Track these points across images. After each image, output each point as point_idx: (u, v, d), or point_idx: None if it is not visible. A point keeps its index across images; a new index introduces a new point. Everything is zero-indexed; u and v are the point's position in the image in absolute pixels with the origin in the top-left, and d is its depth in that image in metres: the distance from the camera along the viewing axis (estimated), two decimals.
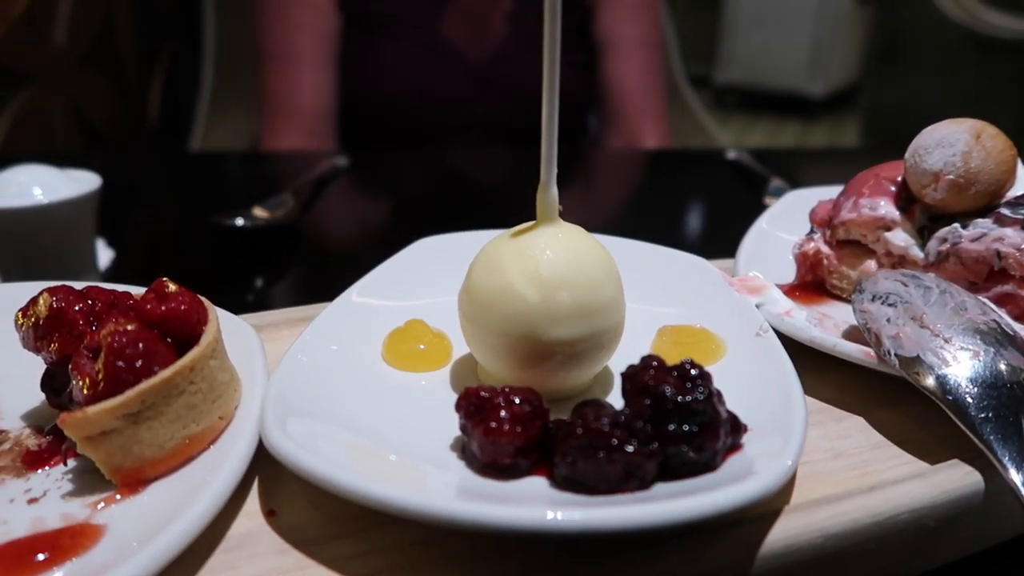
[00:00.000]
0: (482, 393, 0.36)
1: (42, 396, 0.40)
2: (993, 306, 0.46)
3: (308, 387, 0.40)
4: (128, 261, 0.79)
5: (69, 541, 0.32)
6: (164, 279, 0.39)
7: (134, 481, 0.35)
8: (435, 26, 1.31)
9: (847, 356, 0.45)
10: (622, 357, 0.41)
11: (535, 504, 0.33)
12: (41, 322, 0.38)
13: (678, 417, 0.34)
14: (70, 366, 0.36)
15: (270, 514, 0.35)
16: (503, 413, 0.35)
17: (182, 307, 0.38)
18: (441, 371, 0.46)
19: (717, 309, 0.50)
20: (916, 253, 0.53)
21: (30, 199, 0.63)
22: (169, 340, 0.37)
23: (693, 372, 0.36)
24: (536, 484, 0.35)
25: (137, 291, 0.41)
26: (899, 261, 0.54)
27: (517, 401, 0.36)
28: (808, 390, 0.40)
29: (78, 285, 0.41)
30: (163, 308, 0.37)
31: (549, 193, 0.41)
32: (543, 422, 0.36)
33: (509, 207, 0.47)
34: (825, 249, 0.58)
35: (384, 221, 1.03)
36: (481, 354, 0.43)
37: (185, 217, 1.01)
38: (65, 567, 0.30)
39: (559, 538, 0.32)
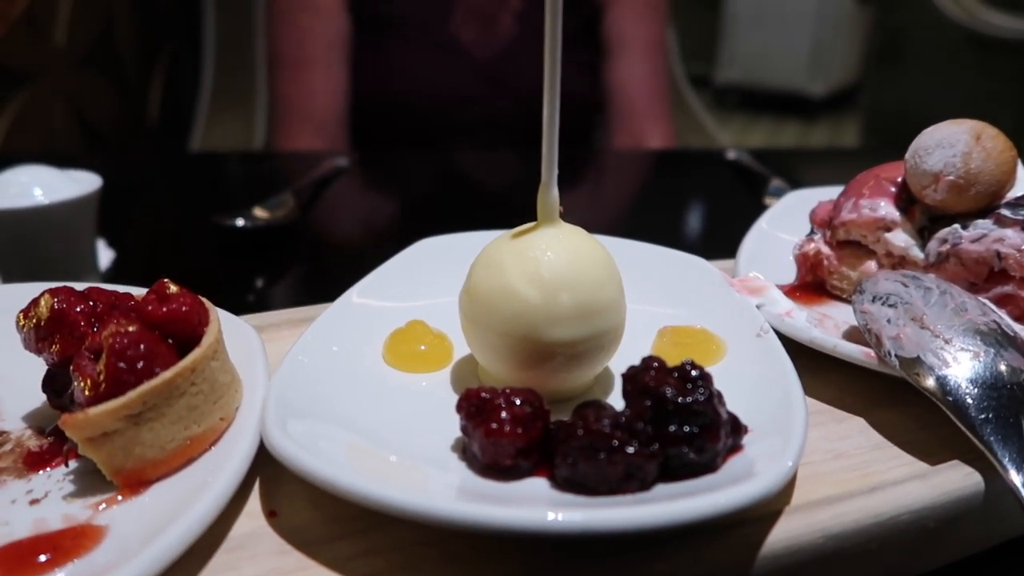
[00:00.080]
0: (483, 394, 0.36)
1: (43, 397, 0.41)
2: (993, 307, 0.46)
3: (309, 388, 0.40)
4: (129, 262, 0.79)
5: (70, 542, 0.32)
6: (165, 280, 0.39)
7: (135, 482, 0.35)
8: (443, 25, 1.31)
9: (847, 357, 0.45)
10: (623, 358, 0.41)
11: (536, 505, 0.33)
12: (42, 323, 0.38)
13: (679, 418, 0.34)
14: (71, 367, 0.36)
15: (271, 515, 0.36)
16: (504, 414, 0.35)
17: (183, 308, 0.38)
18: (442, 372, 0.46)
19: (717, 310, 0.50)
20: (916, 254, 0.53)
21: (31, 200, 0.63)
22: (170, 341, 0.37)
23: (694, 373, 0.36)
24: (537, 485, 0.35)
25: (138, 292, 0.41)
26: (899, 262, 0.54)
27: (518, 402, 0.36)
28: (808, 391, 0.40)
29: (79, 286, 0.41)
30: (164, 309, 0.37)
31: (550, 194, 0.41)
32: (544, 423, 0.36)
33: (510, 208, 0.48)
34: (825, 250, 0.58)
35: (385, 221, 1.03)
36: (482, 355, 0.43)
37: (185, 217, 1.01)
38: (67, 568, 0.30)
39: (560, 539, 0.32)
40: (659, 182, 1.28)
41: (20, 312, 0.40)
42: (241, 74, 1.78)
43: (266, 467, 0.37)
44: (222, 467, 0.35)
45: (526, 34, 1.31)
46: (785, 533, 0.34)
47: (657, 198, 1.19)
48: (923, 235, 0.54)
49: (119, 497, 0.35)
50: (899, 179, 0.56)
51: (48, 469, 0.37)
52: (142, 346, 0.35)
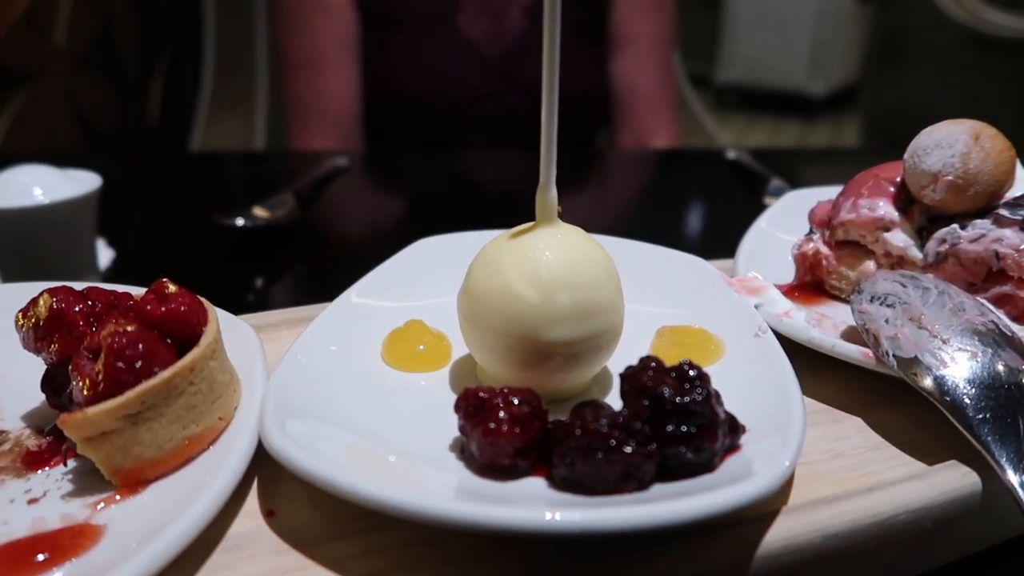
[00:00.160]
0: (481, 394, 0.36)
1: (42, 397, 0.41)
2: (991, 307, 0.46)
3: (308, 388, 0.40)
4: (128, 261, 0.79)
5: (69, 541, 0.32)
6: (164, 280, 0.39)
7: (134, 482, 0.35)
8: (452, 21, 1.31)
9: (846, 357, 0.45)
10: (621, 358, 0.41)
11: (534, 505, 0.34)
12: (41, 323, 0.38)
13: (676, 418, 0.34)
14: (70, 367, 0.36)
15: (269, 514, 0.36)
16: (502, 414, 0.35)
17: (182, 308, 0.38)
18: (440, 372, 0.46)
19: (716, 310, 0.50)
20: (915, 254, 0.53)
21: (31, 199, 0.63)
22: (169, 341, 0.37)
23: (691, 373, 0.36)
24: (535, 485, 0.35)
25: (137, 292, 0.41)
26: (898, 262, 0.55)
27: (516, 402, 0.36)
28: (807, 391, 0.40)
29: (78, 286, 0.41)
30: (163, 309, 0.37)
31: (548, 194, 0.41)
32: (542, 423, 0.36)
33: (511, 208, 0.48)
34: (824, 250, 0.58)
35: (384, 221, 1.03)
36: (480, 355, 0.43)
37: (185, 217, 1.01)
38: (65, 567, 0.31)
39: (558, 539, 0.32)
40: (658, 182, 1.28)
41: (19, 312, 0.40)
42: (241, 74, 1.78)
43: (264, 467, 0.37)
44: (220, 467, 0.35)
45: (536, 28, 1.29)
46: (783, 533, 0.34)
47: (656, 198, 1.19)
48: (922, 235, 0.54)
49: (117, 496, 0.35)
50: (898, 179, 0.56)
51: (47, 468, 0.37)
52: (141, 346, 0.35)
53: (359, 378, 0.43)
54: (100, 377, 0.34)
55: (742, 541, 0.34)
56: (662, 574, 0.33)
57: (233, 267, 0.80)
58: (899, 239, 0.54)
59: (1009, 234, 0.49)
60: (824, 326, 0.51)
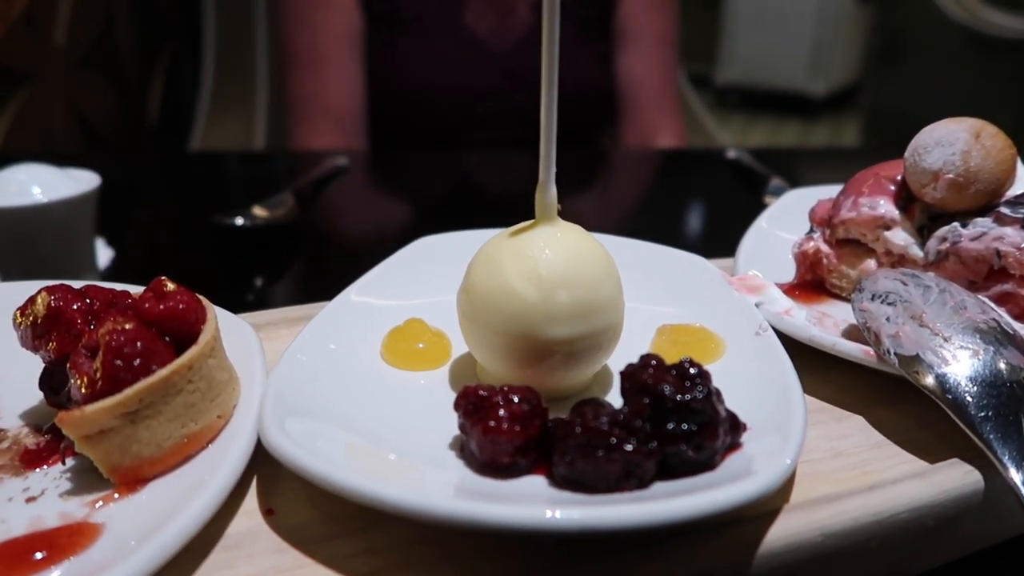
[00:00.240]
0: (481, 392, 0.36)
1: (40, 395, 0.40)
2: (993, 305, 0.46)
3: (307, 386, 0.40)
4: (128, 260, 0.79)
5: (67, 540, 0.32)
6: (162, 278, 0.39)
7: (132, 480, 0.35)
8: (458, 18, 1.30)
9: (847, 355, 0.44)
10: (621, 356, 0.41)
11: (534, 503, 0.33)
12: (39, 321, 0.38)
13: (677, 416, 0.34)
14: (68, 365, 0.36)
15: (268, 513, 0.35)
16: (502, 412, 0.35)
17: (180, 306, 0.38)
18: (440, 370, 0.46)
19: (716, 308, 0.50)
20: (916, 252, 0.53)
21: (29, 198, 0.63)
22: (167, 339, 0.37)
23: (692, 371, 0.35)
24: (535, 483, 0.35)
25: (136, 290, 0.41)
26: (899, 260, 0.54)
27: (516, 400, 0.36)
28: (808, 389, 0.40)
29: (76, 284, 0.41)
30: (161, 307, 0.37)
31: (548, 192, 0.41)
32: (542, 421, 0.36)
33: (511, 207, 0.47)
34: (825, 248, 0.57)
35: (384, 221, 1.03)
36: (480, 353, 0.43)
37: (185, 216, 1.01)
38: (63, 566, 0.30)
39: (558, 537, 0.32)
40: (659, 181, 1.28)
41: (17, 310, 0.40)
42: (241, 74, 1.78)
43: (263, 465, 0.37)
44: (219, 465, 0.35)
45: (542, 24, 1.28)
46: (784, 531, 0.34)
47: (656, 197, 1.19)
48: (922, 233, 0.54)
49: (116, 495, 0.35)
50: (898, 177, 0.55)
51: (45, 467, 0.37)
52: (139, 344, 0.35)
53: (358, 377, 0.43)
54: (98, 375, 0.34)
55: (743, 539, 0.34)
56: (662, 572, 0.32)
57: (232, 267, 0.80)
58: (900, 237, 0.54)
59: (1010, 232, 0.49)
60: (825, 324, 0.51)
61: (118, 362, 0.34)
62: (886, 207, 0.55)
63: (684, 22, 1.47)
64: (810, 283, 0.59)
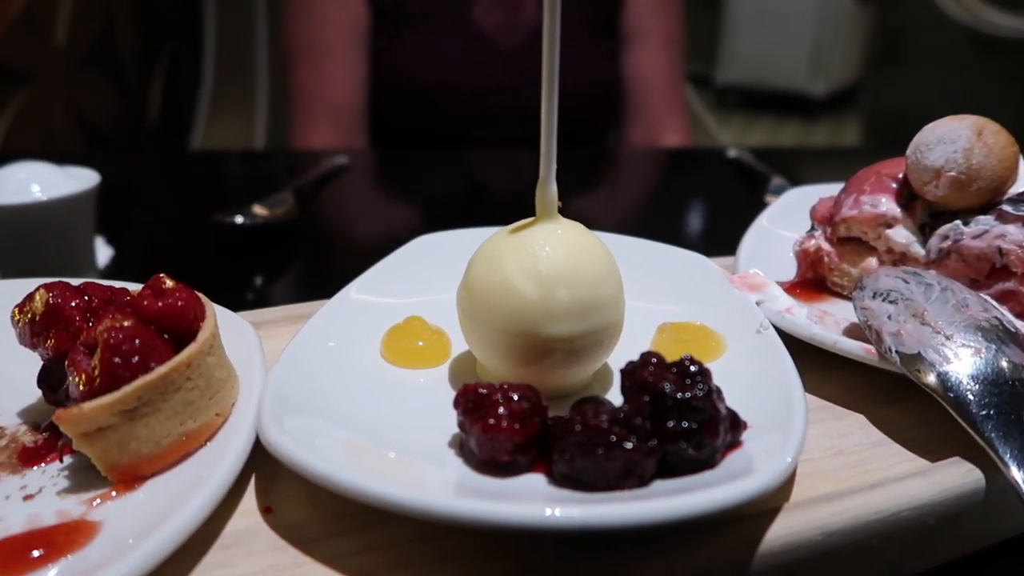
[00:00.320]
0: (480, 390, 0.36)
1: (39, 393, 0.40)
2: (994, 303, 0.46)
3: (306, 384, 0.40)
4: (128, 259, 0.79)
5: (64, 538, 0.31)
6: (161, 275, 0.39)
7: (130, 478, 0.35)
8: (466, 13, 1.29)
9: (848, 353, 0.44)
10: (622, 354, 0.40)
11: (533, 501, 0.33)
12: (37, 318, 0.38)
13: (677, 414, 0.34)
14: (66, 362, 0.36)
15: (267, 511, 0.35)
16: (501, 410, 0.35)
17: (179, 303, 0.37)
18: (440, 368, 0.46)
19: (717, 306, 0.50)
20: (917, 250, 0.53)
21: (29, 196, 0.63)
22: (166, 336, 0.37)
23: (692, 369, 0.35)
24: (535, 481, 0.35)
25: (135, 287, 0.41)
26: (900, 258, 0.54)
27: (515, 398, 0.35)
28: (809, 387, 0.40)
29: (75, 281, 0.41)
30: (160, 304, 0.37)
31: (548, 189, 0.41)
32: (542, 419, 0.36)
33: (511, 206, 0.47)
34: (826, 246, 0.57)
35: (384, 220, 1.02)
36: (480, 351, 0.43)
37: (185, 216, 1.01)
38: (60, 564, 0.30)
39: (558, 535, 0.31)
40: (660, 180, 1.28)
41: (15, 307, 0.39)
42: (241, 73, 1.78)
43: (262, 463, 0.37)
44: (218, 463, 0.34)
45: None
46: (784, 530, 0.34)
47: (658, 195, 1.19)
48: (924, 231, 0.54)
49: (113, 493, 0.34)
50: (900, 175, 0.55)
51: (43, 465, 0.37)
52: (137, 341, 0.35)
53: (358, 375, 0.43)
54: (96, 372, 0.34)
55: (743, 538, 0.33)
56: (663, 571, 0.32)
57: (232, 265, 0.80)
58: (901, 235, 0.53)
59: (1012, 230, 0.49)
60: (826, 323, 0.50)
61: (116, 359, 0.34)
62: (888, 205, 0.54)
63: (684, 22, 1.47)
64: (811, 281, 0.59)
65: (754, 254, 0.59)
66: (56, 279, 0.40)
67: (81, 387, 0.34)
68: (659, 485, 0.34)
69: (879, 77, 3.15)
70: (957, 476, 0.37)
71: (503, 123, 1.32)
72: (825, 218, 0.58)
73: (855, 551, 0.34)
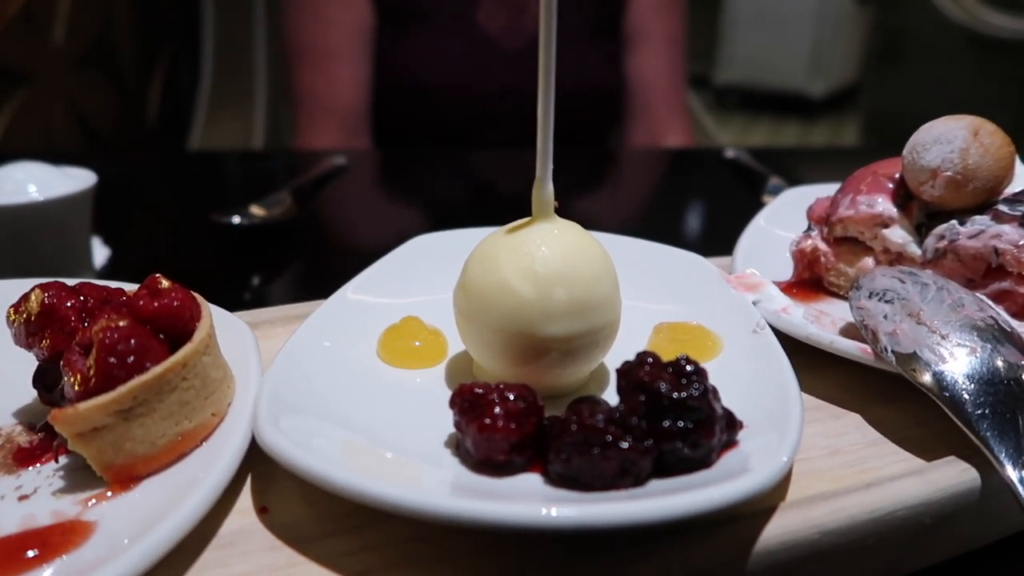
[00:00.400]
0: (476, 390, 0.36)
1: (34, 393, 0.40)
2: (990, 303, 0.46)
3: (302, 384, 0.40)
4: (126, 259, 0.79)
5: (59, 538, 0.31)
6: (157, 275, 0.39)
7: (125, 478, 0.35)
8: (471, 15, 1.29)
9: (844, 353, 0.44)
10: (618, 354, 0.40)
11: (530, 501, 0.33)
12: (33, 318, 0.38)
13: (673, 413, 0.34)
14: (62, 362, 0.36)
15: (263, 511, 0.35)
16: (497, 410, 0.35)
17: (175, 303, 0.37)
18: (436, 368, 0.46)
19: (714, 306, 0.50)
20: (913, 250, 0.53)
21: (25, 196, 0.63)
22: (162, 336, 0.37)
23: (688, 368, 0.35)
24: (531, 481, 0.35)
25: (131, 288, 0.40)
26: (896, 258, 0.54)
27: (511, 397, 0.35)
28: (805, 387, 0.40)
29: (71, 282, 0.41)
30: (156, 304, 0.37)
31: (545, 189, 0.41)
32: (538, 419, 0.36)
33: (512, 207, 0.47)
34: (822, 246, 0.57)
35: (382, 220, 1.02)
36: (476, 351, 0.43)
37: (183, 215, 1.01)
38: (55, 564, 0.30)
39: (554, 534, 0.31)
40: (657, 180, 1.28)
41: (10, 307, 0.39)
42: (240, 73, 1.78)
43: (258, 463, 0.37)
44: (213, 463, 0.34)
45: (558, 24, 1.27)
46: (780, 529, 0.34)
47: (655, 196, 1.19)
48: (920, 231, 0.54)
49: (109, 493, 0.34)
50: (897, 175, 0.55)
51: (38, 465, 0.37)
52: (132, 341, 0.35)
53: (354, 374, 0.43)
54: (91, 372, 0.34)
55: (739, 537, 0.33)
56: (659, 570, 0.32)
57: (230, 265, 0.80)
58: (898, 235, 0.54)
59: (1008, 230, 0.49)
60: (822, 322, 0.50)
61: (112, 359, 0.34)
62: (884, 205, 0.54)
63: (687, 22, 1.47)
64: (808, 281, 0.59)
65: (751, 254, 0.59)
66: (52, 279, 0.40)
67: (76, 387, 0.34)
68: (655, 484, 0.34)
69: (878, 78, 3.15)
70: (953, 475, 0.37)
71: (506, 125, 1.32)
72: (822, 218, 0.58)
73: (851, 550, 0.34)
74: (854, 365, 0.44)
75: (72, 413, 0.33)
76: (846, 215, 0.56)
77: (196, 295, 0.40)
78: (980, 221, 0.50)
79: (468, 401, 0.36)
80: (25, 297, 0.39)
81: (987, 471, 0.37)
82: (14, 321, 0.39)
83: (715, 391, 0.36)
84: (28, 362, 0.40)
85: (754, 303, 0.49)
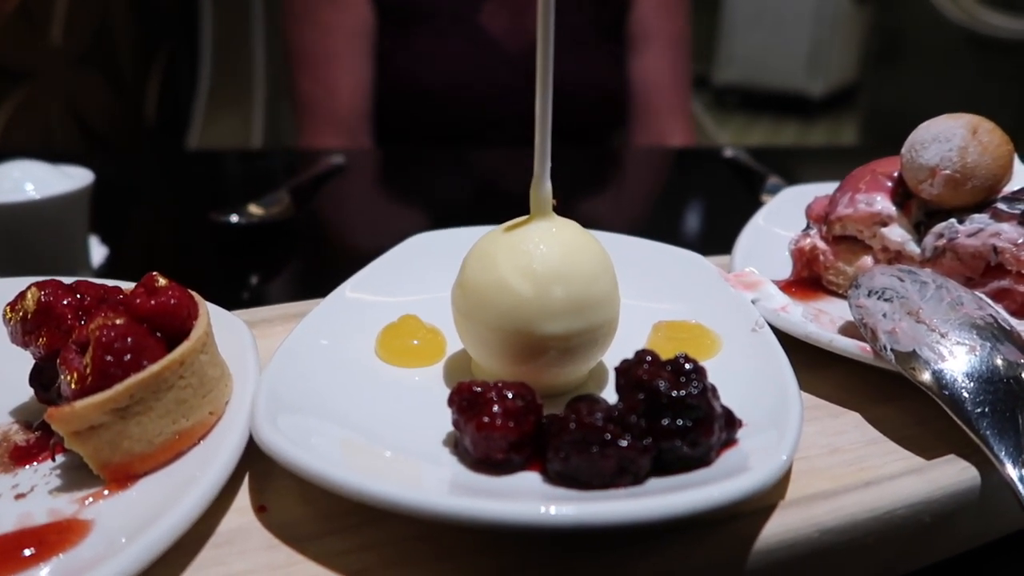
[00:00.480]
0: (475, 388, 0.36)
1: (30, 391, 0.40)
2: (989, 301, 0.46)
3: (300, 383, 0.40)
4: (124, 258, 0.78)
5: (56, 536, 0.31)
6: (154, 273, 0.39)
7: (122, 476, 0.35)
8: (472, 16, 1.28)
9: (843, 351, 0.44)
10: (617, 353, 0.40)
11: (528, 499, 0.33)
12: (29, 316, 0.38)
13: (672, 412, 0.34)
14: (58, 361, 0.36)
15: (260, 510, 0.35)
16: (496, 408, 0.35)
17: (172, 301, 0.37)
18: (434, 367, 0.45)
19: (713, 305, 0.50)
20: (912, 248, 0.53)
21: (23, 195, 0.63)
22: (159, 335, 0.37)
23: (687, 367, 0.35)
24: (529, 479, 0.35)
25: (128, 286, 0.40)
26: (895, 257, 0.54)
27: (510, 396, 0.35)
28: (804, 386, 0.40)
29: (68, 280, 0.40)
30: (152, 302, 0.37)
31: (543, 187, 0.41)
32: (536, 417, 0.36)
33: (511, 207, 0.47)
34: (821, 245, 0.57)
35: (380, 218, 1.02)
36: (475, 349, 0.43)
37: (181, 214, 1.00)
38: (51, 562, 0.30)
39: (553, 533, 0.31)
40: (657, 179, 1.28)
41: (7, 305, 0.39)
42: (238, 72, 1.78)
43: (255, 462, 0.36)
44: (211, 462, 0.34)
45: (559, 25, 1.27)
46: (780, 527, 0.34)
47: (654, 195, 1.19)
48: (919, 230, 0.54)
49: (105, 491, 0.34)
50: (895, 174, 0.55)
51: (35, 463, 0.37)
52: (129, 339, 0.35)
53: (352, 373, 0.43)
54: (88, 371, 0.34)
55: (738, 536, 0.33)
56: (658, 569, 0.32)
57: (228, 264, 0.80)
58: (896, 234, 0.53)
59: (1007, 228, 0.49)
60: (821, 321, 0.50)
61: (108, 357, 0.34)
62: (883, 203, 0.54)
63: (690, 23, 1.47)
64: (807, 280, 0.59)
65: (750, 253, 0.59)
66: (48, 277, 0.40)
67: (73, 385, 0.34)
68: (654, 483, 0.34)
69: (877, 77, 3.16)
70: (952, 474, 0.37)
71: (508, 127, 1.31)
72: (821, 217, 0.58)
73: (851, 549, 0.34)
74: (853, 363, 0.44)
75: (69, 411, 0.33)
76: (845, 213, 0.56)
77: (193, 293, 0.40)
78: (979, 219, 0.50)
79: (466, 399, 0.36)
80: (22, 295, 0.39)
81: (987, 469, 0.37)
82: (10, 319, 0.39)
83: (714, 389, 0.36)
84: (25, 360, 0.40)
85: (753, 302, 0.49)
